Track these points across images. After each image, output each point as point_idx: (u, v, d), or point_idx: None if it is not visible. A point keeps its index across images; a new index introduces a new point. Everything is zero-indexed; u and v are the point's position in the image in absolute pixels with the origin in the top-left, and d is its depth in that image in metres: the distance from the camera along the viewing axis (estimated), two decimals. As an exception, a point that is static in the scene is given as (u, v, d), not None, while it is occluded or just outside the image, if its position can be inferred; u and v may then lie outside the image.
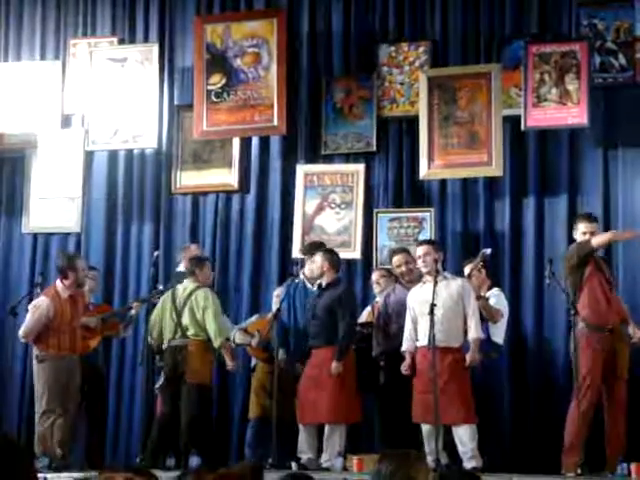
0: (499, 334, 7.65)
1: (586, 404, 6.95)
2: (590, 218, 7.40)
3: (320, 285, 7.64)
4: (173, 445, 7.82)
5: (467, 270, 7.73)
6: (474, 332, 7.13)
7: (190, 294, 7.64)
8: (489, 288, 7.78)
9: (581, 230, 7.27)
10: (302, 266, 8.16)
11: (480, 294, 7.60)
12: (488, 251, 7.77)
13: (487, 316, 7.50)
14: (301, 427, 7.48)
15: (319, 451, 7.43)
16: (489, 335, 7.54)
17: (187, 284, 7.78)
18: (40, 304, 7.85)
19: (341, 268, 8.01)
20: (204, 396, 7.61)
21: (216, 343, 7.60)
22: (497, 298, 7.70)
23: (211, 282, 8.06)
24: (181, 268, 8.33)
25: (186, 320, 7.55)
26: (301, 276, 7.89)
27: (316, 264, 7.71)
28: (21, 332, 7.96)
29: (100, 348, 8.55)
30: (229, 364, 7.70)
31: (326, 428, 7.36)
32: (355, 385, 7.42)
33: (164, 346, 7.78)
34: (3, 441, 2.84)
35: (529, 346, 8.35)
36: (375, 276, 8.16)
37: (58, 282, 7.95)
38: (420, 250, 7.34)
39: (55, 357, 7.75)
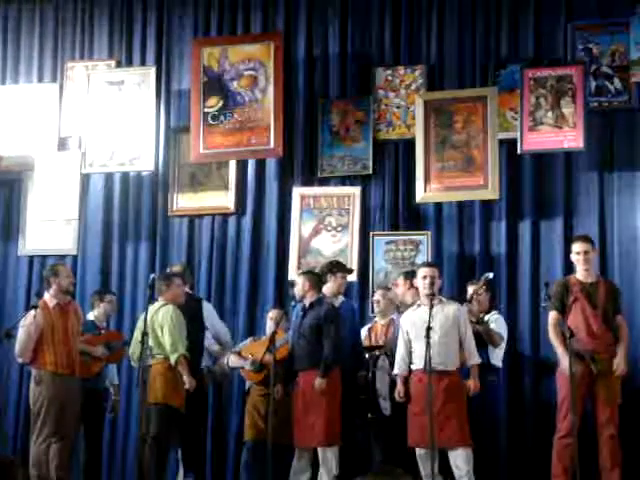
0: (498, 357, 7.64)
1: (563, 431, 6.97)
2: (584, 238, 7.39)
3: (304, 306, 7.62)
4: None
5: (470, 290, 7.75)
6: (473, 358, 7.12)
7: (155, 313, 7.57)
8: (487, 312, 7.77)
9: (575, 250, 7.26)
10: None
11: (480, 318, 7.60)
12: (490, 275, 7.76)
13: (488, 341, 7.48)
14: (296, 450, 7.45)
15: (314, 475, 7.38)
16: (488, 358, 7.53)
17: (156, 303, 7.69)
18: (28, 316, 7.72)
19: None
20: (166, 416, 7.43)
21: (172, 359, 7.47)
22: (497, 322, 7.69)
23: (182, 299, 7.89)
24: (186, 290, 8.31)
25: (151, 340, 7.45)
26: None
27: (297, 286, 7.71)
28: (16, 351, 7.84)
29: (102, 373, 8.49)
30: (186, 381, 7.48)
31: (319, 452, 7.30)
32: (339, 406, 7.33)
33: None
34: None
35: (525, 369, 8.34)
36: (376, 296, 8.15)
37: (46, 294, 7.89)
38: (427, 272, 7.26)
39: (52, 377, 7.65)
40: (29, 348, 7.72)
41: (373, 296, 8.32)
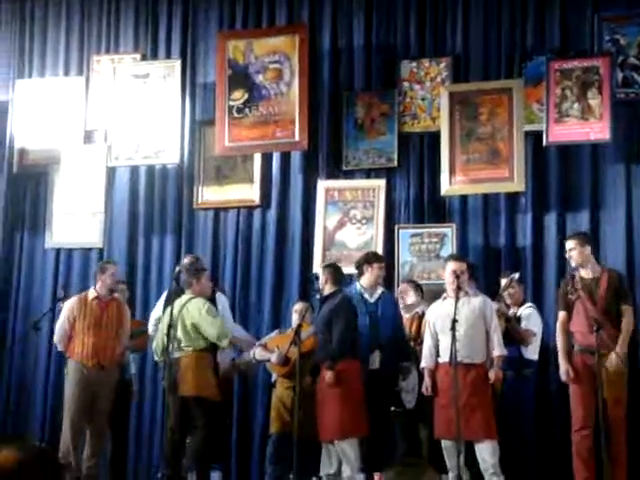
0: (532, 350, 7.59)
1: (576, 425, 7.02)
2: (570, 236, 7.38)
3: (321, 299, 7.61)
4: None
5: (502, 282, 7.76)
6: (497, 349, 7.10)
7: (183, 306, 7.60)
8: (521, 304, 7.75)
9: (566, 248, 7.27)
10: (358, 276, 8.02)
11: (509, 315, 7.57)
12: (516, 276, 7.75)
13: (518, 339, 7.45)
14: (322, 444, 7.46)
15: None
16: (521, 352, 7.50)
17: (183, 297, 7.73)
18: (67, 303, 8.06)
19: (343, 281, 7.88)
20: (206, 408, 7.45)
21: (224, 344, 7.55)
22: (529, 317, 7.65)
23: (209, 293, 7.92)
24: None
25: (179, 333, 7.48)
26: (358, 287, 7.79)
27: (320, 279, 7.72)
28: (55, 336, 8.10)
29: (127, 362, 8.56)
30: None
31: (336, 445, 7.27)
32: (361, 398, 7.27)
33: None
34: (43, 456, 2.88)
35: (552, 362, 8.30)
36: (401, 288, 8.14)
37: (92, 287, 8.13)
38: (452, 266, 7.24)
39: (75, 367, 7.81)
40: (64, 336, 7.98)
41: (398, 289, 8.29)
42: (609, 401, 6.87)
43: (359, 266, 7.74)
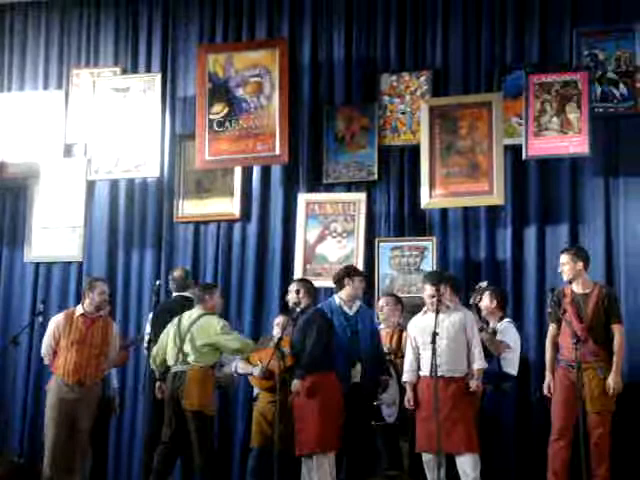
0: (510, 365, 7.55)
1: (554, 434, 7.08)
2: (563, 251, 7.45)
3: (297, 313, 7.59)
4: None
5: (471, 301, 7.76)
6: (477, 362, 7.11)
7: (194, 321, 7.60)
8: (500, 319, 7.75)
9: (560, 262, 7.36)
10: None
11: (483, 326, 7.59)
12: (484, 284, 7.78)
13: (491, 349, 7.46)
14: (302, 458, 7.44)
15: None
16: (500, 366, 7.51)
17: (193, 311, 7.75)
18: (53, 318, 8.06)
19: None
20: (203, 424, 7.47)
21: (244, 356, 7.66)
22: (504, 330, 7.63)
23: (220, 309, 7.98)
24: (183, 293, 8.29)
25: (187, 347, 7.50)
26: (337, 300, 7.78)
27: (291, 293, 7.76)
28: (42, 350, 8.09)
29: (109, 379, 8.53)
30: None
31: (313, 459, 7.23)
32: (339, 410, 7.27)
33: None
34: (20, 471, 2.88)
35: (532, 375, 8.32)
36: (381, 302, 8.15)
37: (79, 304, 8.12)
38: (429, 290, 7.24)
39: (58, 383, 7.78)
40: (49, 350, 7.97)
41: (378, 302, 8.29)
42: (590, 416, 6.93)
43: (339, 280, 7.71)
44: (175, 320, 7.69)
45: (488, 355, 7.36)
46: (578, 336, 6.81)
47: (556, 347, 7.24)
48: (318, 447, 7.19)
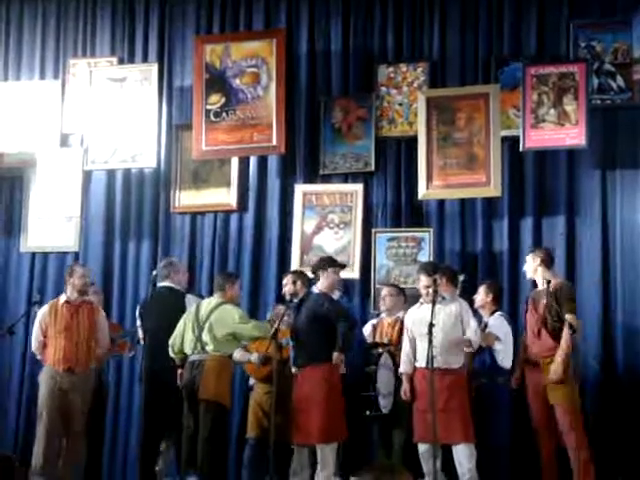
0: (504, 358, 7.54)
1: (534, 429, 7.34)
2: (528, 251, 7.67)
3: (297, 304, 7.57)
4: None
5: (480, 290, 7.83)
6: (470, 333, 7.16)
7: (213, 310, 7.58)
8: (492, 313, 7.74)
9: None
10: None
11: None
12: (461, 277, 7.79)
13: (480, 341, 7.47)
14: (295, 448, 7.45)
15: (313, 472, 7.37)
16: (494, 360, 7.51)
17: (212, 299, 7.74)
18: (40, 310, 8.04)
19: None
20: (218, 415, 7.44)
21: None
22: (495, 322, 7.62)
23: (239, 300, 7.98)
24: (167, 283, 8.15)
25: (205, 336, 7.48)
26: (315, 292, 7.79)
27: (288, 285, 7.78)
28: (32, 345, 8.09)
29: (105, 367, 8.54)
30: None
31: (318, 449, 7.24)
32: (342, 403, 7.31)
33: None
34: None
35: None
36: (384, 292, 8.13)
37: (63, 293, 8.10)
38: (424, 282, 7.28)
39: (49, 372, 7.78)
40: (38, 343, 7.96)
41: (381, 292, 8.25)
42: (555, 409, 7.11)
43: (314, 271, 7.70)
44: (192, 308, 7.68)
45: (480, 349, 7.37)
46: (535, 332, 7.09)
47: (524, 345, 7.46)
48: (324, 438, 7.19)
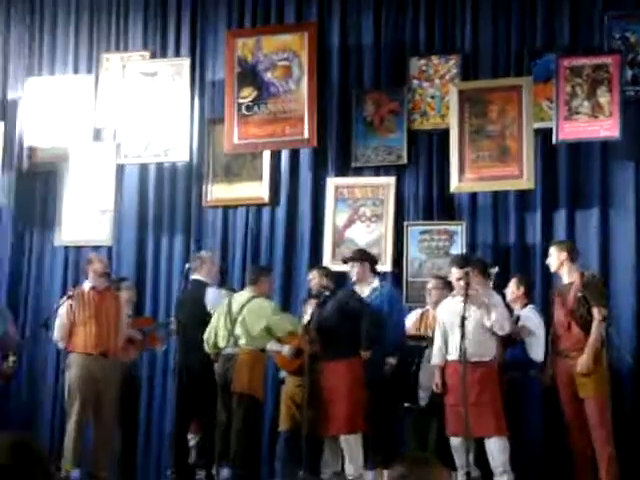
0: (536, 351, 7.48)
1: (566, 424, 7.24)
2: (551, 244, 7.59)
3: (323, 299, 7.61)
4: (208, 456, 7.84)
5: (512, 283, 7.79)
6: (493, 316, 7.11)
7: (245, 304, 7.61)
8: (524, 306, 7.70)
9: None
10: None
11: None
12: (494, 270, 7.76)
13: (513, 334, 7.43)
14: (325, 440, 7.47)
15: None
16: (526, 353, 7.47)
17: (244, 293, 7.78)
18: (63, 301, 8.00)
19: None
20: (251, 408, 7.51)
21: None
22: (527, 316, 7.58)
23: (271, 293, 8.03)
24: (196, 276, 8.26)
25: (238, 329, 7.51)
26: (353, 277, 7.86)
27: (314, 280, 7.86)
28: (54, 336, 8.04)
29: (138, 360, 8.60)
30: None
31: (342, 440, 7.28)
32: (364, 396, 7.33)
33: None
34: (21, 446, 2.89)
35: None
36: (430, 285, 8.06)
37: (85, 282, 8.11)
38: (456, 274, 7.25)
39: (82, 358, 7.75)
40: (64, 332, 7.91)
41: (427, 285, 8.18)
42: (585, 402, 7.02)
43: (346, 262, 7.98)
44: (225, 302, 7.73)
45: (512, 342, 7.34)
46: (565, 326, 7.00)
47: (552, 339, 7.33)
48: (347, 428, 7.24)
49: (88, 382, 7.72)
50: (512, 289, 7.71)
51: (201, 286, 8.14)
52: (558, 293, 7.29)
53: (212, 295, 8.12)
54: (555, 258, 7.34)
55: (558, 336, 7.23)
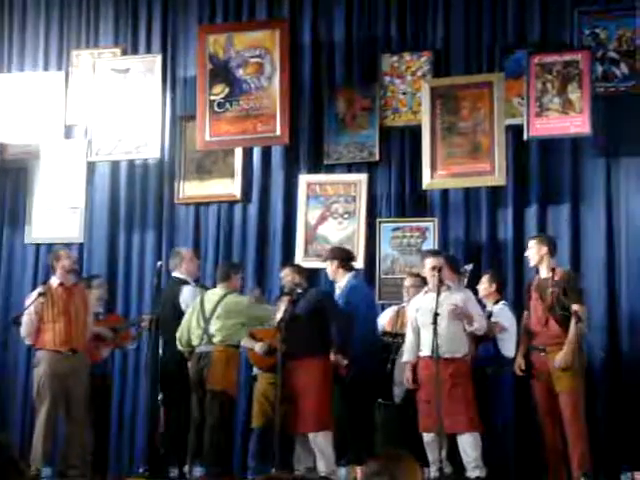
0: (508, 347, 7.51)
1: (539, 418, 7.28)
2: (530, 238, 7.66)
3: (296, 296, 7.61)
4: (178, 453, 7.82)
5: (484, 279, 7.82)
6: (475, 325, 7.14)
7: (220, 300, 7.61)
8: (496, 302, 7.72)
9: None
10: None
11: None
12: (468, 267, 7.78)
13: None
14: (296, 438, 7.48)
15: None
16: (498, 349, 7.49)
17: (216, 290, 7.77)
18: (30, 296, 7.95)
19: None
20: (225, 404, 7.50)
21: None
22: (500, 312, 7.62)
23: (239, 288, 8.01)
24: (176, 274, 8.27)
25: (213, 327, 7.51)
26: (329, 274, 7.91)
27: (287, 277, 7.80)
28: (22, 332, 7.97)
29: (109, 358, 8.56)
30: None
31: (311, 438, 7.29)
32: (331, 395, 7.37)
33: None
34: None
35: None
36: (407, 283, 8.06)
37: (52, 278, 8.03)
38: (431, 262, 7.28)
39: (50, 355, 7.72)
40: (32, 328, 7.85)
41: (405, 282, 8.17)
42: (559, 396, 7.06)
43: (325, 260, 8.02)
44: (197, 300, 7.71)
45: (484, 338, 7.37)
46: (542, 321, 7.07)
47: (526, 332, 7.35)
48: (316, 427, 7.25)
49: (57, 379, 7.68)
50: (485, 285, 7.75)
51: (179, 283, 8.12)
52: (536, 287, 7.31)
53: (187, 294, 8.09)
54: (535, 252, 7.37)
55: (534, 331, 7.26)
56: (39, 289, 8.01)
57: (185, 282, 8.18)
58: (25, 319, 7.90)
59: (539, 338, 7.21)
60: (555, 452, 7.16)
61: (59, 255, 8.06)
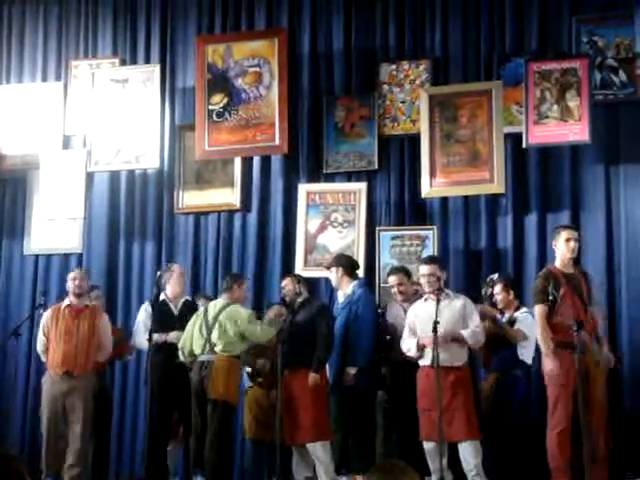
0: (527, 354, 7.43)
1: (562, 426, 6.80)
2: (573, 227, 7.44)
3: (295, 306, 7.62)
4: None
5: (482, 292, 7.79)
6: (466, 332, 7.06)
7: (220, 310, 7.60)
8: (517, 309, 7.64)
9: (565, 237, 7.05)
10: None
11: (495, 315, 7.51)
12: (495, 276, 7.76)
13: (506, 338, 7.39)
14: (294, 448, 7.47)
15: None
16: (515, 354, 7.43)
17: (219, 300, 7.77)
18: (45, 313, 8.03)
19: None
20: (226, 414, 7.48)
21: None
22: (523, 320, 7.48)
23: (244, 301, 7.96)
24: (168, 291, 8.17)
25: (215, 336, 7.51)
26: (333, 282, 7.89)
27: (288, 286, 7.82)
28: (37, 347, 8.07)
29: (107, 369, 8.55)
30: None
31: (310, 448, 7.29)
32: (327, 405, 7.41)
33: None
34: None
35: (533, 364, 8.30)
36: (394, 280, 8.03)
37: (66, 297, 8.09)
38: (425, 269, 7.27)
39: (47, 377, 7.84)
40: (43, 346, 7.94)
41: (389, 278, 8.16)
42: (599, 401, 6.77)
43: (328, 267, 7.95)
44: (201, 310, 7.73)
45: (504, 344, 7.33)
46: (580, 319, 6.66)
47: (550, 329, 6.90)
48: (314, 437, 7.27)
49: (53, 401, 7.77)
50: (502, 296, 7.62)
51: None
52: (569, 282, 6.97)
53: (141, 310, 8.16)
54: (575, 243, 7.09)
55: (565, 329, 6.70)
56: (49, 310, 8.04)
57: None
58: (38, 337, 8.03)
59: (582, 337, 6.59)
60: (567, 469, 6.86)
61: (69, 277, 8.10)
